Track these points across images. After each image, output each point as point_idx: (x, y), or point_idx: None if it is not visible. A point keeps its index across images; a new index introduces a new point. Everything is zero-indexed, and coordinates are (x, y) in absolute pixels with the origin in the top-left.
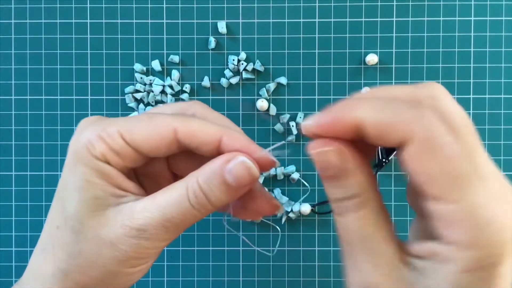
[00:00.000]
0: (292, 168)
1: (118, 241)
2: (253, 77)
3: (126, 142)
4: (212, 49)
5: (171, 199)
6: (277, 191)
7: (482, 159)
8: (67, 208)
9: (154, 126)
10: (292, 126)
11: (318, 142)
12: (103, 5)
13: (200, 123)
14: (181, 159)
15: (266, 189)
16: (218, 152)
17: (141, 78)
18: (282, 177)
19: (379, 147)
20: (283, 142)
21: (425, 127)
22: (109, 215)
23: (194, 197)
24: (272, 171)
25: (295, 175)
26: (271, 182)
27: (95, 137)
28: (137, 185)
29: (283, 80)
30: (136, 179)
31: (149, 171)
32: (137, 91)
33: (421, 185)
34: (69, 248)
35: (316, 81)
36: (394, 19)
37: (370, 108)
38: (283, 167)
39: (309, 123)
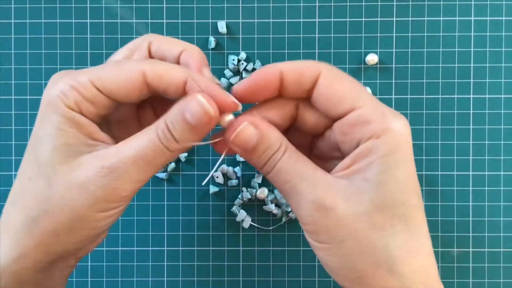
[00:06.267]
0: None
1: (88, 182)
2: None
3: (98, 90)
4: (212, 49)
5: (142, 139)
6: (276, 191)
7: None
8: (39, 157)
9: (123, 71)
10: None
11: (234, 124)
12: (103, 5)
13: (166, 66)
14: (150, 111)
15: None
16: (184, 94)
17: None
18: None
19: None
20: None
21: (326, 66)
22: (81, 160)
23: (163, 134)
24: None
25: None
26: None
27: (68, 88)
28: (109, 137)
29: None
30: (108, 131)
31: (120, 118)
32: None
33: (335, 107)
34: (39, 195)
35: None
36: (394, 19)
37: (287, 63)
38: None
39: (241, 85)
